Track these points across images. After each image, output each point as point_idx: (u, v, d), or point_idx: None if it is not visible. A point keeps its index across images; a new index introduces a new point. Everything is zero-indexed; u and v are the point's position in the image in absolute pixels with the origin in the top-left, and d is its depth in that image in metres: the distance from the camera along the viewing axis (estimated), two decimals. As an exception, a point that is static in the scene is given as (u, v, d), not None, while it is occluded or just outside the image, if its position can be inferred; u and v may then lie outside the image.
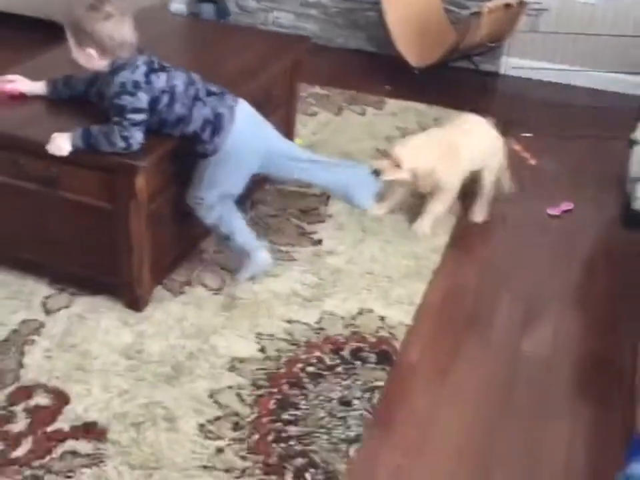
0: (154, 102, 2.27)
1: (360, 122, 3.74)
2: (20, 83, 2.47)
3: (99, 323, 2.40)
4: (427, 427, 2.16)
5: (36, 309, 2.44)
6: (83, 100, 2.43)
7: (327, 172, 2.65)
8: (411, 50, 4.07)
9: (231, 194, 2.51)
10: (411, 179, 2.82)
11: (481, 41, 3.80)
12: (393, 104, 3.92)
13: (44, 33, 3.93)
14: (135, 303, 2.45)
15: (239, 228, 2.57)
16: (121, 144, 2.20)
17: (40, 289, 2.51)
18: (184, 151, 2.40)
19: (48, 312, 2.43)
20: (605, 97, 3.73)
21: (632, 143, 3.41)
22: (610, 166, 3.46)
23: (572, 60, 3.71)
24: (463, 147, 2.88)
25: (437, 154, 2.82)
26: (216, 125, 2.34)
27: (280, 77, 3.03)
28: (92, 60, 2.27)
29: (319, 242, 2.85)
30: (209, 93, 2.37)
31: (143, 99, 2.23)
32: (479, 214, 3.05)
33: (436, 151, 2.82)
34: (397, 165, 2.78)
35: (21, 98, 2.46)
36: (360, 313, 2.52)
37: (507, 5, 3.79)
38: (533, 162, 3.50)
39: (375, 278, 2.68)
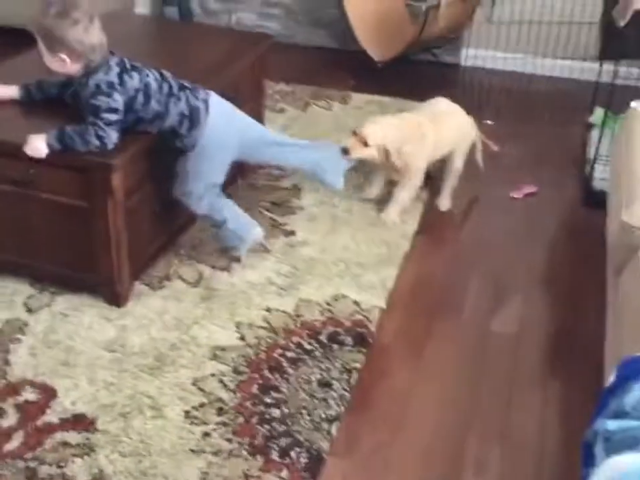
0: (130, 101, 2.33)
1: (326, 116, 3.83)
2: None
3: (81, 320, 2.46)
4: (404, 403, 2.25)
5: (18, 308, 2.49)
6: (57, 102, 2.47)
7: (298, 154, 2.75)
8: (373, 45, 4.17)
9: (215, 183, 2.59)
10: (378, 156, 2.87)
11: (440, 32, 3.91)
12: (357, 98, 4.02)
13: (10, 41, 3.97)
14: (116, 299, 2.51)
15: (231, 212, 2.66)
16: (96, 142, 2.26)
17: (21, 289, 2.56)
18: (159, 148, 2.47)
19: (30, 311, 2.48)
20: (562, 84, 3.87)
21: (589, 126, 3.55)
22: (570, 149, 3.59)
23: (528, 49, 3.84)
24: (431, 130, 2.93)
25: (405, 134, 2.87)
26: (192, 118, 2.41)
27: (246, 73, 3.10)
28: (65, 65, 2.32)
29: (292, 233, 2.92)
30: (182, 88, 2.44)
31: (117, 99, 2.30)
32: (445, 202, 3.13)
33: (404, 131, 2.88)
34: (365, 142, 2.84)
35: None
36: (335, 299, 2.61)
37: (464, -3, 3.91)
38: (495, 148, 3.60)
39: (348, 265, 2.77)
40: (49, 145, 2.27)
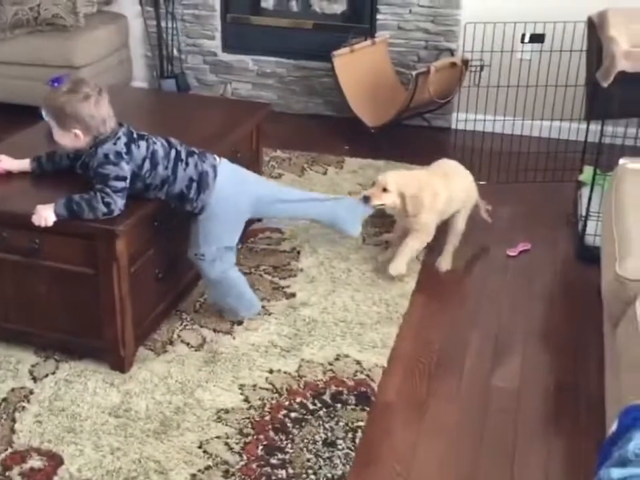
0: (138, 169, 2.40)
1: (322, 181, 3.92)
2: (4, 162, 2.59)
3: (86, 386, 2.48)
4: (409, 461, 2.26)
5: (24, 377, 2.51)
6: (66, 173, 2.54)
7: (315, 207, 2.83)
8: (366, 111, 4.29)
9: (228, 247, 2.64)
10: (399, 203, 2.96)
11: (430, 97, 4.02)
12: (352, 162, 4.11)
13: (18, 116, 4.09)
14: (120, 364, 2.53)
15: (241, 284, 2.73)
16: (103, 209, 2.32)
17: (26, 358, 2.59)
18: (163, 213, 2.53)
19: (35, 379, 2.51)
20: (552, 144, 3.96)
21: (580, 184, 3.63)
22: (561, 206, 3.66)
23: (516, 111, 3.95)
24: (444, 187, 3.05)
25: (422, 185, 2.98)
26: (200, 182, 2.48)
27: (245, 140, 3.19)
28: (77, 140, 2.40)
29: (293, 295, 2.97)
30: (190, 154, 2.51)
31: (124, 168, 2.37)
32: (446, 262, 3.18)
33: (421, 181, 3.00)
34: (384, 189, 2.94)
35: (6, 175, 2.58)
36: (337, 358, 2.64)
37: (452, 64, 4.04)
38: (488, 207, 3.68)
39: (349, 325, 2.81)
40: (57, 214, 2.33)
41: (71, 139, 2.41)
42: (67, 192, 2.39)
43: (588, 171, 3.47)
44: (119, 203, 2.36)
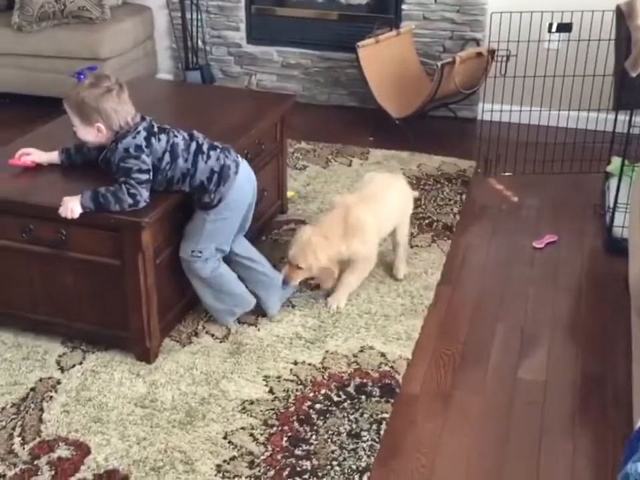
0: (158, 162, 2.41)
1: (347, 172, 3.90)
2: (34, 155, 2.61)
3: (112, 376, 2.50)
4: (433, 453, 2.26)
5: (51, 367, 2.54)
6: (94, 165, 2.55)
7: (247, 271, 2.75)
8: (391, 102, 4.27)
9: (223, 249, 2.63)
10: (318, 272, 2.78)
11: (456, 88, 3.99)
12: (377, 154, 4.10)
13: (40, 109, 4.12)
14: (146, 355, 2.55)
15: (231, 280, 2.69)
16: (129, 200, 2.34)
17: (54, 348, 2.62)
18: (186, 205, 2.54)
19: (63, 369, 2.53)
20: (579, 135, 3.92)
21: (608, 175, 3.59)
22: (588, 198, 3.62)
23: (543, 102, 3.91)
24: (372, 216, 2.82)
25: (339, 236, 2.76)
26: (222, 175, 2.48)
27: (269, 132, 3.19)
28: (100, 134, 2.42)
29: (317, 287, 2.96)
30: (213, 147, 2.51)
31: (146, 161, 2.38)
32: (402, 270, 3.02)
33: (337, 233, 2.76)
34: (297, 267, 2.76)
35: (35, 167, 2.60)
36: (361, 350, 2.63)
37: (478, 54, 4.00)
38: (515, 199, 3.66)
39: (373, 317, 2.80)
40: (83, 206, 2.35)
41: (94, 134, 2.42)
42: (94, 184, 2.41)
43: (616, 162, 3.43)
44: (144, 194, 2.37)
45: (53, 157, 2.62)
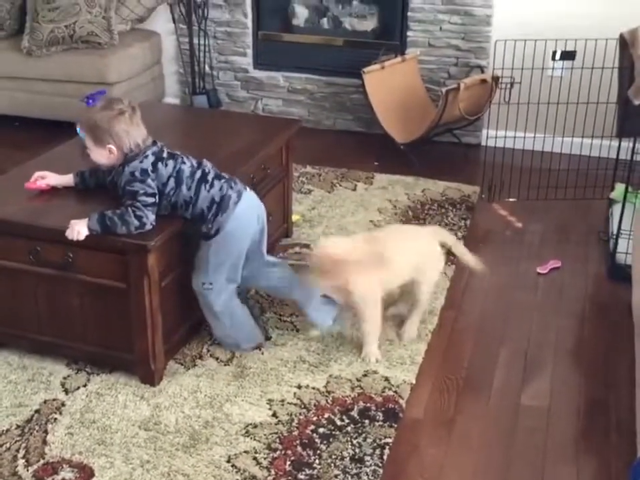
0: (162, 187, 2.44)
1: (352, 197, 3.93)
2: (50, 178, 2.63)
3: (116, 399, 2.51)
4: (436, 478, 2.25)
5: (56, 389, 2.55)
6: (104, 189, 2.59)
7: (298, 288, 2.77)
8: (396, 127, 4.30)
9: (234, 279, 2.64)
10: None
11: (460, 114, 4.03)
12: (382, 178, 4.12)
13: (49, 132, 4.17)
14: (150, 378, 2.56)
15: (243, 315, 2.72)
16: (136, 223, 2.36)
17: (59, 370, 2.63)
18: (190, 231, 2.56)
19: (67, 391, 2.54)
20: (583, 161, 3.94)
21: (611, 202, 3.61)
22: (592, 224, 3.64)
23: (546, 129, 3.94)
24: (388, 259, 2.65)
25: (351, 268, 2.60)
26: (221, 205, 2.50)
27: (275, 156, 3.22)
28: (111, 156, 2.45)
29: (322, 311, 2.97)
30: (218, 177, 2.54)
31: (151, 185, 2.42)
32: (409, 333, 2.84)
33: (350, 265, 2.60)
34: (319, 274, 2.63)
35: (50, 191, 2.62)
36: (365, 374, 2.64)
37: (482, 81, 4.04)
38: (519, 225, 3.68)
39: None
40: (90, 229, 2.37)
41: (105, 156, 2.46)
42: (102, 207, 2.43)
43: (619, 189, 3.45)
44: (150, 217, 2.39)
45: (68, 179, 2.64)
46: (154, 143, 2.49)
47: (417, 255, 2.77)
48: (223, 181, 2.54)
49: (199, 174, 2.50)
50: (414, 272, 2.76)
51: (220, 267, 2.58)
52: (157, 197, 2.43)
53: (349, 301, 2.70)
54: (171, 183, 2.46)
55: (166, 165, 2.46)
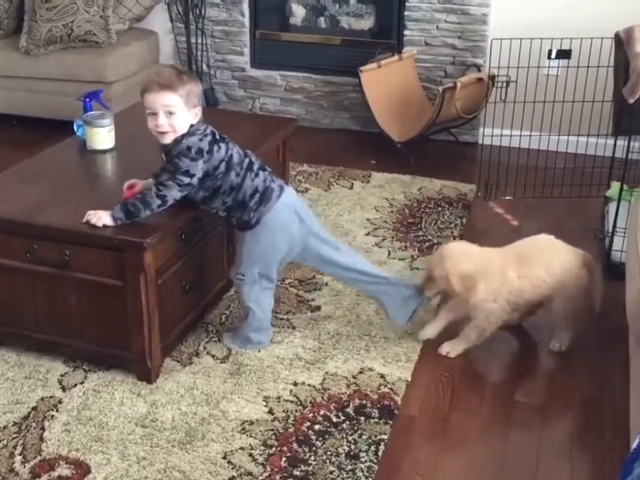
0: (213, 170, 2.46)
1: (349, 195, 3.94)
2: (138, 186, 2.59)
3: (113, 396, 2.52)
4: (431, 475, 2.26)
5: (53, 386, 2.56)
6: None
7: (365, 283, 2.76)
8: (393, 126, 4.31)
9: (268, 276, 2.64)
10: (447, 287, 2.67)
11: (457, 113, 4.04)
12: (379, 177, 4.14)
13: (46, 131, 4.18)
14: (147, 375, 2.57)
15: (266, 319, 2.74)
16: (158, 201, 2.41)
17: (56, 367, 2.64)
18: (189, 226, 2.57)
19: (64, 388, 2.55)
20: (579, 160, 3.95)
21: (607, 200, 3.62)
22: (588, 222, 3.65)
23: (542, 127, 3.96)
24: (513, 269, 2.66)
25: (477, 267, 2.64)
26: (264, 195, 2.52)
27: (272, 155, 3.23)
28: (196, 119, 2.47)
29: (318, 308, 2.99)
30: (262, 168, 2.57)
31: (199, 166, 2.42)
32: (559, 344, 2.80)
33: (477, 264, 2.65)
34: (431, 278, 2.70)
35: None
36: (361, 372, 2.65)
37: (479, 79, 4.06)
38: (515, 223, 3.69)
39: (373, 339, 2.82)
40: (115, 217, 2.40)
41: (190, 119, 2.45)
42: (102, 204, 2.47)
43: (615, 187, 3.46)
44: (176, 195, 2.42)
45: (149, 183, 2.58)
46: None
47: (551, 274, 2.69)
48: (267, 172, 2.57)
49: (246, 162, 2.53)
50: (547, 291, 2.70)
51: (254, 258, 2.60)
52: (194, 179, 2.43)
53: (468, 309, 2.68)
54: (222, 167, 2.47)
55: (219, 148, 2.48)
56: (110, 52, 4.56)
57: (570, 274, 2.72)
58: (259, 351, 2.75)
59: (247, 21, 4.83)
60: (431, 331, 2.79)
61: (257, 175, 2.53)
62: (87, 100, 3.19)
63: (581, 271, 2.74)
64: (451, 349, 2.75)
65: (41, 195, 2.62)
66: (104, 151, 2.98)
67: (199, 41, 4.83)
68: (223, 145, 2.49)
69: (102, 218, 2.40)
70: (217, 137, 2.50)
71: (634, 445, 1.67)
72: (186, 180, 2.42)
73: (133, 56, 4.71)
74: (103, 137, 2.95)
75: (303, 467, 2.25)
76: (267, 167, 2.60)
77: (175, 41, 4.91)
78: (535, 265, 2.69)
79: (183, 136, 2.44)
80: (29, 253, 2.49)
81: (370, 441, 2.35)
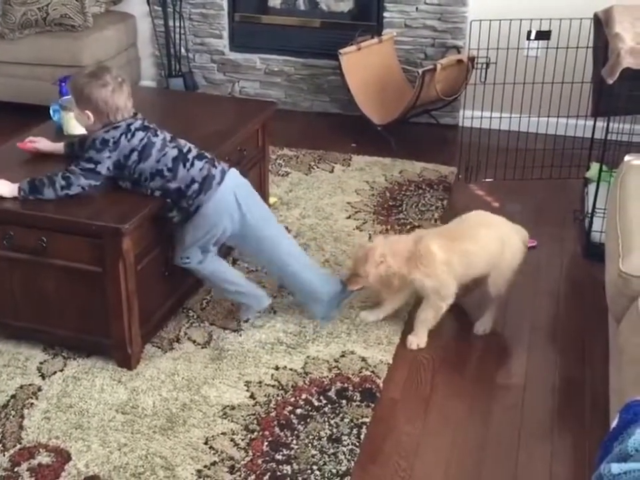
0: (124, 159, 2.48)
1: (330, 179, 3.93)
2: (41, 143, 2.72)
3: (93, 383, 2.51)
4: (413, 457, 2.27)
5: (32, 374, 2.54)
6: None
7: (306, 273, 2.74)
8: (373, 109, 4.29)
9: (207, 249, 2.64)
10: (375, 282, 2.71)
11: (437, 95, 4.03)
12: (359, 160, 4.12)
13: (22, 116, 4.12)
14: (127, 362, 2.55)
15: (231, 276, 2.74)
16: (62, 182, 2.45)
17: (35, 355, 2.62)
18: (165, 212, 2.55)
19: (44, 376, 2.53)
20: (559, 141, 3.96)
21: (587, 181, 3.63)
22: (568, 203, 3.66)
23: (522, 109, 3.95)
24: (445, 251, 2.65)
25: (404, 258, 2.66)
26: (203, 184, 2.51)
27: (251, 138, 3.21)
28: (89, 122, 2.50)
29: (299, 293, 2.98)
30: (200, 157, 2.54)
31: (103, 155, 2.45)
32: (483, 325, 2.82)
33: (403, 254, 2.66)
34: (356, 274, 2.72)
35: (38, 155, 2.72)
36: (342, 355, 2.65)
37: (459, 61, 4.04)
38: (495, 205, 3.70)
39: (354, 322, 2.82)
40: (20, 188, 2.44)
41: (84, 119, 2.52)
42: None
43: (594, 168, 3.47)
44: (81, 181, 2.45)
45: (59, 148, 2.72)
46: (134, 115, 2.52)
47: (495, 248, 2.71)
48: (204, 161, 2.54)
49: (175, 152, 2.51)
50: (490, 264, 2.71)
51: (194, 241, 2.60)
52: (101, 167, 2.45)
53: (419, 288, 2.69)
54: (134, 156, 2.48)
55: (132, 136, 2.47)
56: (86, 35, 4.50)
57: (503, 248, 2.72)
58: (240, 335, 2.74)
59: (225, 3, 4.77)
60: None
61: (192, 164, 2.51)
62: (63, 84, 3.15)
63: (517, 245, 2.76)
64: (418, 340, 2.73)
65: (17, 181, 2.58)
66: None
67: (177, 24, 4.77)
68: (138, 134, 2.48)
69: (2, 189, 2.45)
70: (135, 126, 2.49)
71: (613, 424, 1.68)
72: (88, 166, 2.45)
73: (109, 39, 4.65)
74: (79, 121, 2.92)
75: (285, 451, 2.25)
76: (206, 154, 2.57)
77: (152, 24, 4.84)
78: (465, 240, 2.69)
79: (94, 131, 2.50)
80: (5, 240, 2.46)
81: (352, 424, 2.35)
